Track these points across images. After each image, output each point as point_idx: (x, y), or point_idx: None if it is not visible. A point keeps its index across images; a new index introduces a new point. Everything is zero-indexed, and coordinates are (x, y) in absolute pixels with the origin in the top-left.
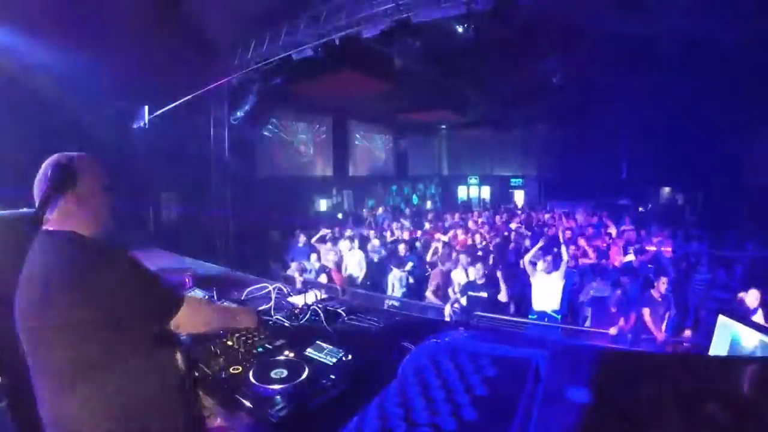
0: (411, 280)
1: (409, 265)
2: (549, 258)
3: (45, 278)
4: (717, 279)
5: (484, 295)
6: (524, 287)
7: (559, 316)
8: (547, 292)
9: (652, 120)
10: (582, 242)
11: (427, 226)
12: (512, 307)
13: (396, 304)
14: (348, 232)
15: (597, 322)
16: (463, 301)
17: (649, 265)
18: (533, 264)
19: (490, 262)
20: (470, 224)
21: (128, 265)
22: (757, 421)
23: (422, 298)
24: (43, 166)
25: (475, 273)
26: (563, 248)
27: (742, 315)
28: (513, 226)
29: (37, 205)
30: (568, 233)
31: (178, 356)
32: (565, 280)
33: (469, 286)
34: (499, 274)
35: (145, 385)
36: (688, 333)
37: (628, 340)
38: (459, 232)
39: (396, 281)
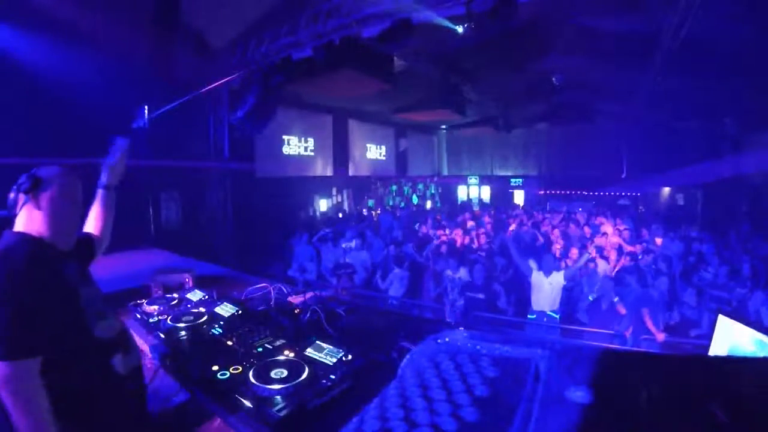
0: (411, 280)
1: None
2: (549, 259)
3: None
4: (717, 279)
5: (482, 296)
6: (523, 288)
7: (557, 316)
8: (545, 292)
9: (652, 120)
10: (574, 251)
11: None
12: (511, 308)
13: (396, 304)
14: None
15: (596, 322)
16: (461, 302)
17: (651, 266)
18: (532, 264)
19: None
20: (470, 224)
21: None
22: (757, 421)
23: (422, 298)
24: None
25: (465, 273)
26: (558, 248)
27: (743, 315)
28: (512, 227)
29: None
30: (567, 233)
31: (119, 359)
32: (565, 281)
33: (467, 287)
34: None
35: (81, 387)
36: (688, 333)
37: (628, 340)
38: (458, 231)
39: (397, 281)
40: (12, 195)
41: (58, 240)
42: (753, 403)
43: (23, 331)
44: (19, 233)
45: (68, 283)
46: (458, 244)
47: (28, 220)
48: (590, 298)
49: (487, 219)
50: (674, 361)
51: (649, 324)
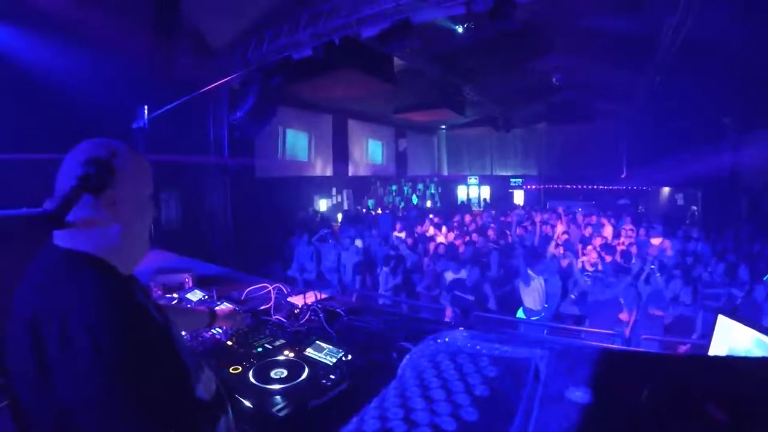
0: (401, 276)
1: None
2: (549, 261)
3: (37, 316)
4: (717, 279)
5: (471, 298)
6: (509, 285)
7: (546, 305)
8: (538, 291)
9: (651, 119)
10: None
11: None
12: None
13: (395, 304)
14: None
15: (597, 322)
16: (448, 297)
17: (652, 266)
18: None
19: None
20: (469, 224)
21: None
22: (757, 421)
23: (418, 297)
24: (70, 153)
25: (466, 275)
26: (558, 249)
27: (742, 315)
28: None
29: (57, 203)
30: (566, 234)
31: (222, 426)
32: (562, 281)
33: (456, 285)
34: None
35: None
36: (683, 332)
37: (627, 340)
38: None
39: (383, 279)
40: (64, 186)
41: (125, 261)
42: (753, 403)
43: (151, 407)
44: (80, 255)
45: (160, 326)
46: (458, 244)
47: (88, 230)
48: (572, 296)
49: (472, 217)
50: (674, 361)
51: (650, 323)
